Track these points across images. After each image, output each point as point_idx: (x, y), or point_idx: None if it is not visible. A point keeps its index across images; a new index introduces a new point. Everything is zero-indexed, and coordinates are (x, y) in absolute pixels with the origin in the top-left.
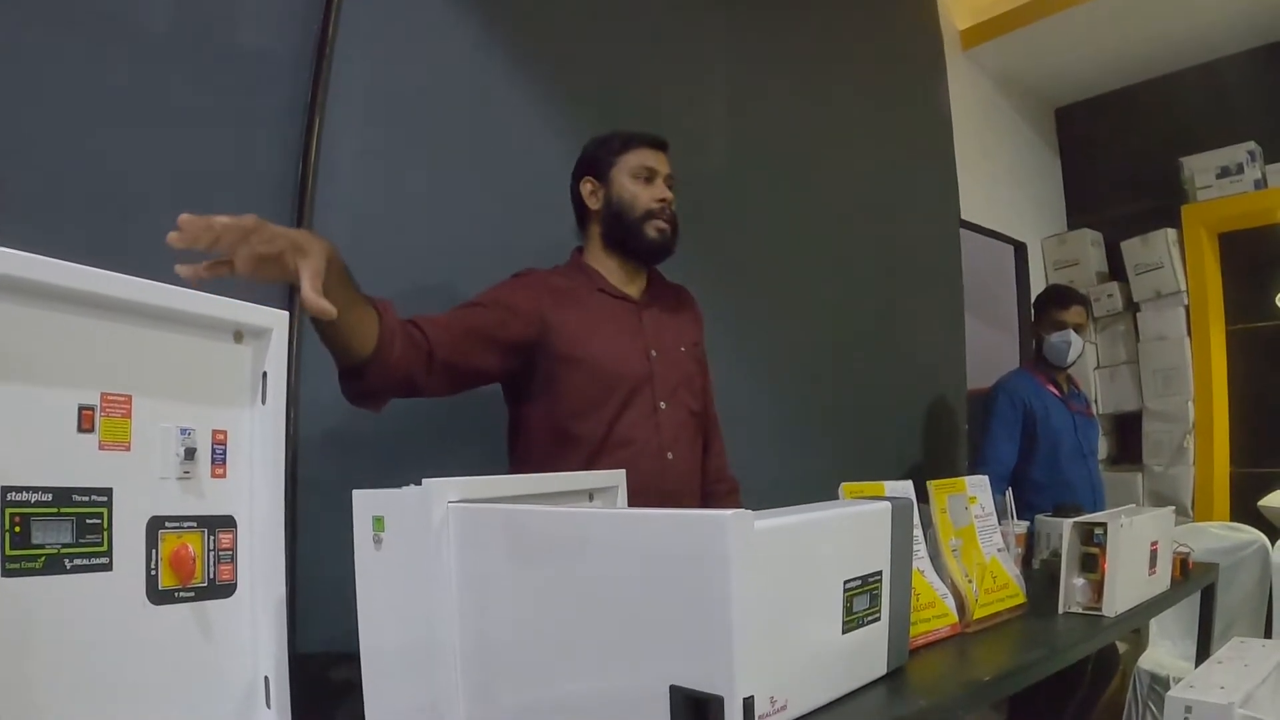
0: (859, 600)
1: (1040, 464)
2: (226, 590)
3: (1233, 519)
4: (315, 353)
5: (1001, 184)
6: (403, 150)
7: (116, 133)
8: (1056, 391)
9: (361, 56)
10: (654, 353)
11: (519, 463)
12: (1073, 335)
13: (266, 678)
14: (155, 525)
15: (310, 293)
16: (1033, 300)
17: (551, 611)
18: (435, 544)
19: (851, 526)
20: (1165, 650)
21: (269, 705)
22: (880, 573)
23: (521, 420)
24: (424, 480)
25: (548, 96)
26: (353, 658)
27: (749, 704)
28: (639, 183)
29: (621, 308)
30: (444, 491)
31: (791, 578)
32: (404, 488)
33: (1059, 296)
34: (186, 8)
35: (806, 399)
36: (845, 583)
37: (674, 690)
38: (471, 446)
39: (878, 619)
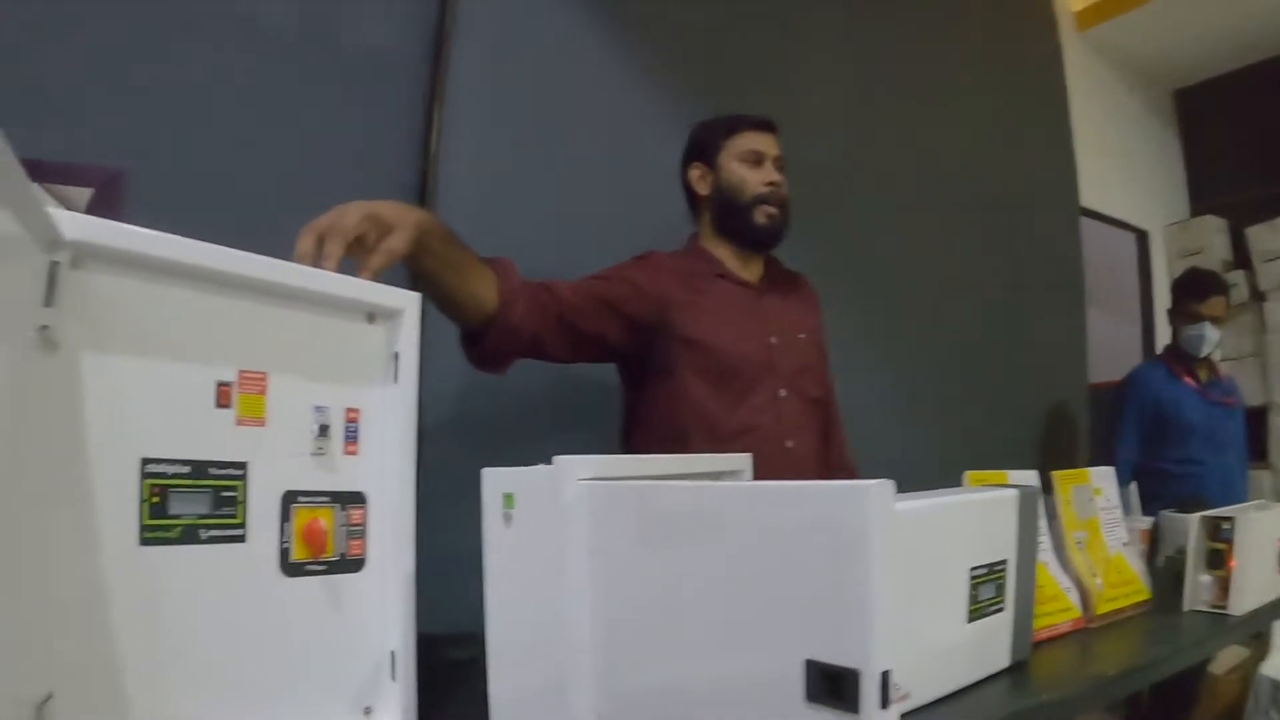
0: (984, 589)
1: (1170, 457)
2: (356, 565)
3: None
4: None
5: (1121, 170)
6: (522, 140)
7: (241, 129)
8: (1193, 382)
9: (479, 49)
10: (774, 339)
11: (634, 448)
12: (1208, 328)
13: (393, 652)
14: (289, 499)
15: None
16: (1170, 285)
17: (683, 588)
18: (566, 521)
19: (979, 513)
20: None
21: (394, 678)
22: (1005, 561)
23: (638, 405)
24: (555, 458)
25: (666, 83)
26: (470, 637)
27: (887, 678)
28: (747, 166)
29: (741, 293)
30: (575, 469)
31: (920, 562)
32: (534, 466)
33: (1196, 287)
34: (308, 7)
35: (925, 389)
36: (971, 570)
37: (810, 665)
38: (577, 433)
39: (1002, 609)
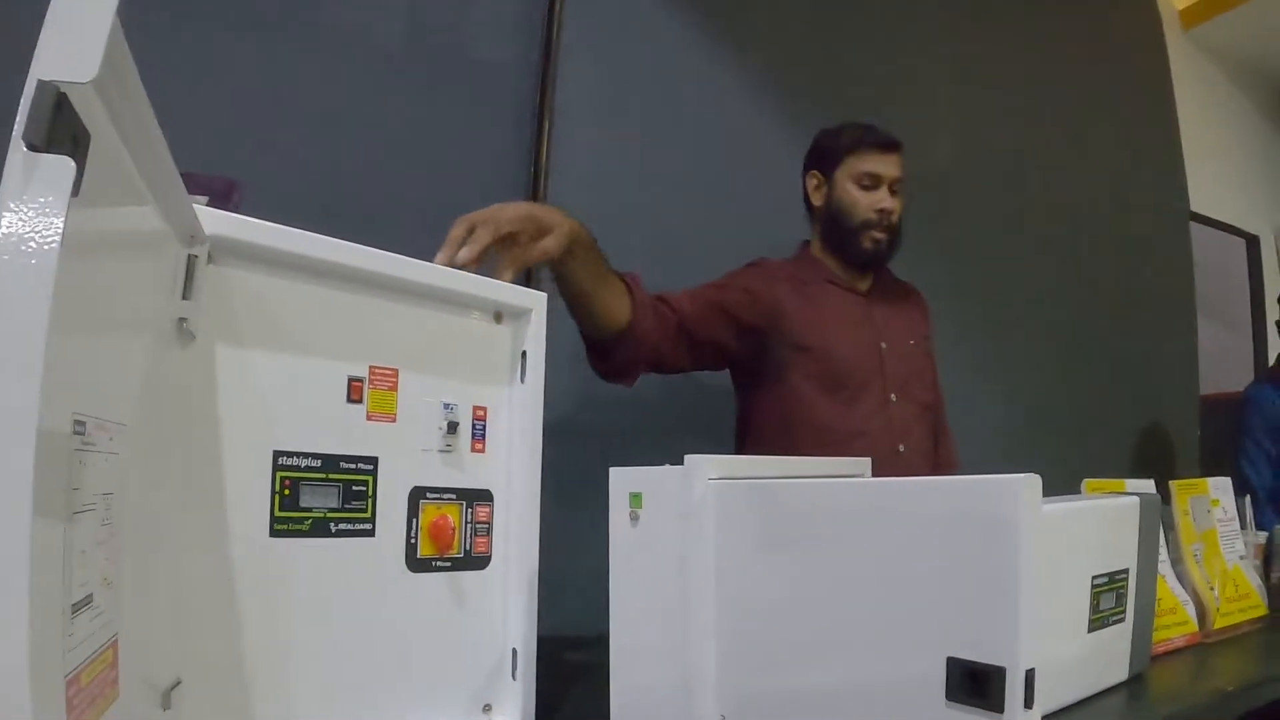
0: (1105, 598)
1: None
2: (481, 562)
3: None
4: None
5: (1230, 172)
6: (631, 152)
7: (355, 143)
8: None
9: (589, 61)
10: (884, 345)
11: (747, 452)
12: None
13: (515, 650)
14: (417, 495)
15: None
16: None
17: (814, 588)
18: (695, 520)
19: (1103, 520)
20: None
21: (514, 677)
22: (1126, 571)
23: (751, 409)
24: (686, 456)
25: (772, 92)
26: (589, 640)
27: (1031, 676)
28: (860, 190)
29: (851, 300)
30: (705, 468)
31: (1045, 569)
32: (662, 466)
33: None
34: (418, 22)
35: (1032, 399)
36: (1094, 578)
37: (951, 663)
38: (691, 437)
39: (1122, 619)
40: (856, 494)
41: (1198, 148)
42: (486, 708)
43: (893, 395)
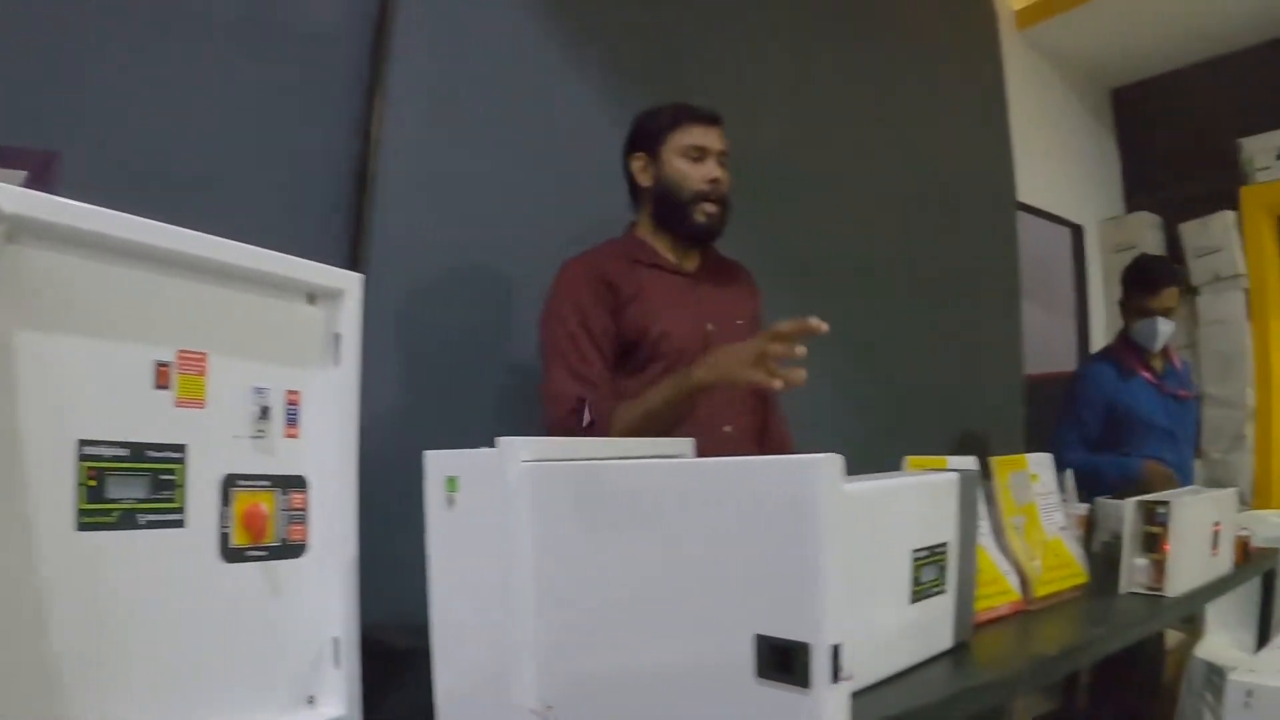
0: (926, 571)
1: (1125, 451)
2: (297, 550)
3: None
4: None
5: (1058, 166)
6: (463, 127)
7: (178, 112)
8: (1149, 374)
9: (421, 35)
10: (711, 326)
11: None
12: (1160, 322)
13: (336, 639)
14: (229, 483)
15: None
16: (1121, 275)
17: (628, 569)
18: (509, 503)
19: (922, 495)
20: (1223, 640)
21: (337, 666)
22: (946, 544)
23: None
24: (498, 439)
25: (606, 71)
26: (416, 627)
27: (838, 651)
28: (688, 162)
29: (677, 282)
30: (518, 450)
31: (864, 544)
32: (477, 449)
33: (1147, 279)
34: None
35: (862, 380)
36: (914, 552)
37: (760, 640)
38: (524, 423)
39: (943, 590)
40: (664, 475)
41: (1029, 142)
42: (310, 699)
43: None
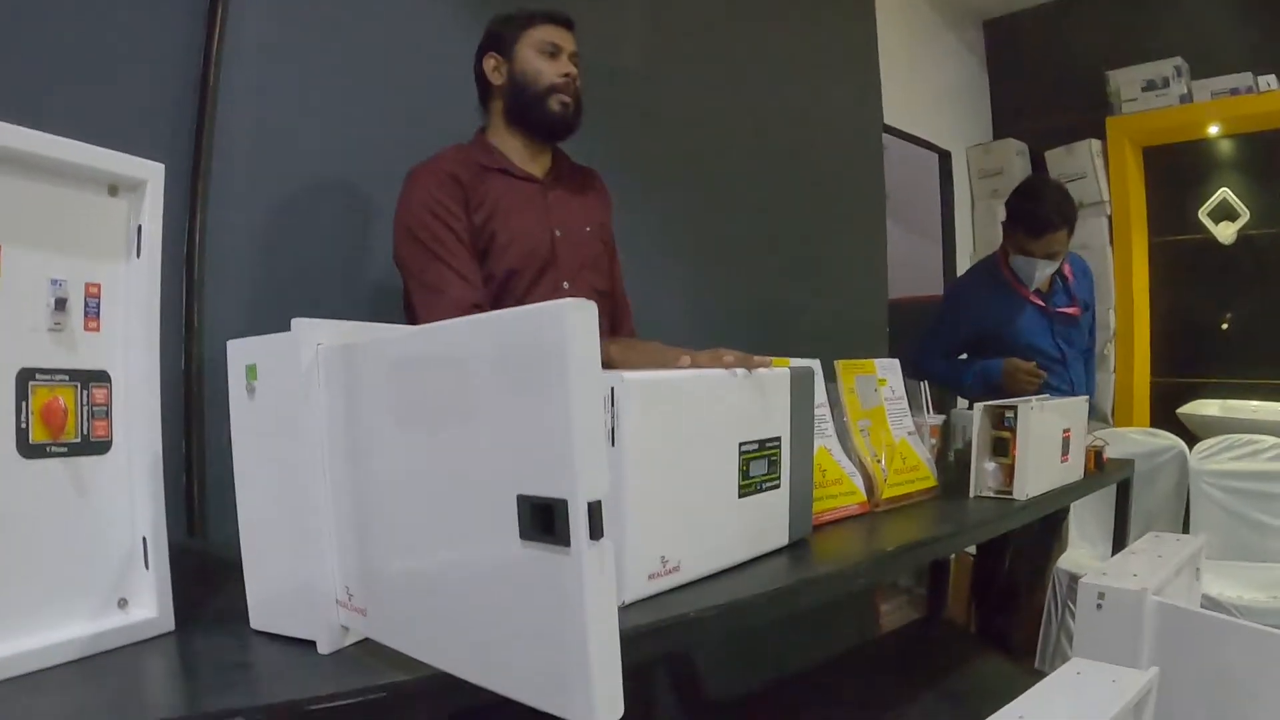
0: (756, 465)
1: None
2: (101, 447)
3: (1152, 426)
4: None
5: (928, 93)
6: (307, 35)
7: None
8: (1033, 296)
9: None
10: (558, 232)
11: None
12: (1039, 265)
13: (145, 538)
14: (25, 377)
15: None
16: (1009, 197)
17: (403, 445)
18: (304, 389)
19: (747, 389)
20: (1084, 552)
21: (147, 567)
22: (779, 439)
23: None
24: (293, 320)
25: None
26: None
27: (596, 509)
28: (543, 58)
29: (526, 188)
30: (314, 333)
31: (681, 435)
32: (276, 334)
33: (1033, 224)
34: None
35: (722, 299)
36: (741, 445)
37: (521, 500)
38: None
39: (777, 486)
40: (420, 342)
41: (900, 68)
42: (122, 602)
43: (565, 283)
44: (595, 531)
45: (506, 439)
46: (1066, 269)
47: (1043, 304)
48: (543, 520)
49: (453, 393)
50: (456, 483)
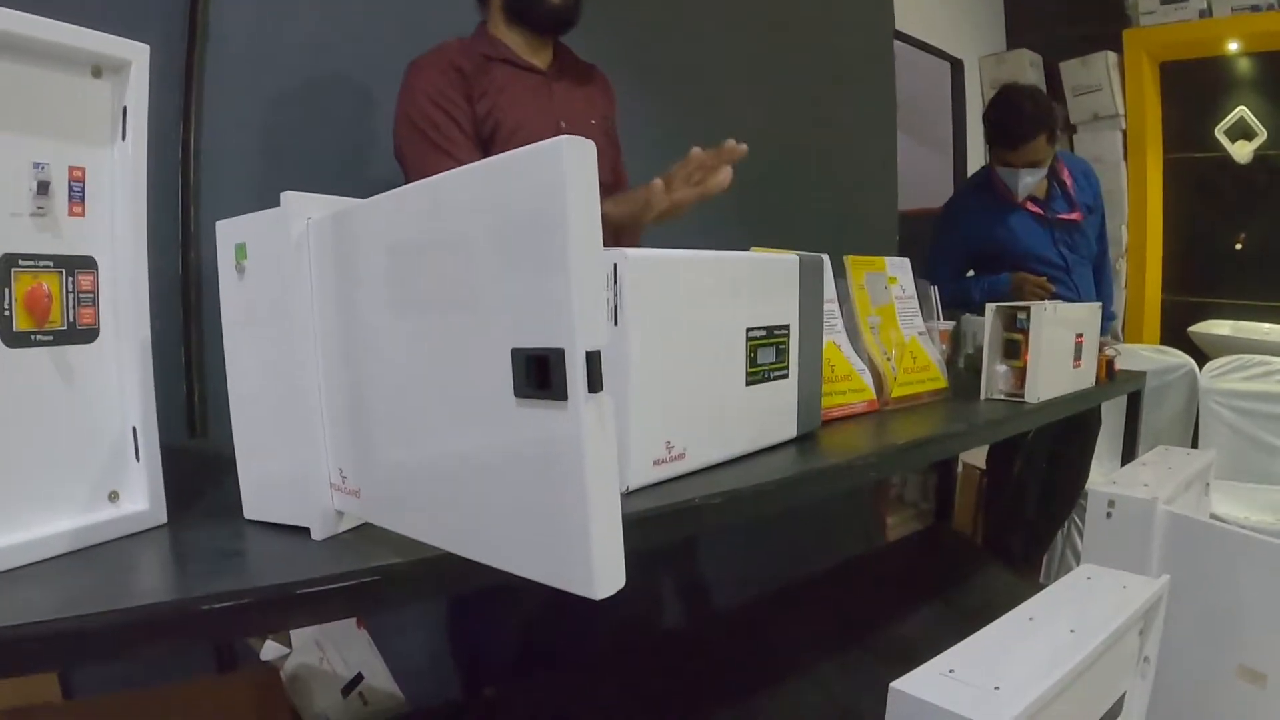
0: (764, 352)
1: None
2: (88, 335)
3: (1163, 344)
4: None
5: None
6: None
7: None
8: (1032, 205)
9: None
10: (563, 124)
11: None
12: (1022, 175)
13: (135, 428)
14: (8, 263)
15: None
16: (983, 111)
17: (395, 311)
18: (294, 265)
19: (754, 274)
20: (1096, 470)
21: (138, 458)
22: (787, 327)
23: None
24: (283, 195)
25: None
26: None
27: (594, 359)
28: None
29: (530, 79)
30: (304, 207)
31: (687, 317)
32: (266, 210)
33: (1006, 133)
34: None
35: (729, 207)
36: (748, 331)
37: (515, 354)
38: None
39: (785, 375)
40: (410, 199)
41: None
42: (113, 495)
43: None
44: (594, 384)
45: (502, 294)
46: (1065, 174)
47: (1040, 211)
48: (539, 373)
49: (446, 252)
50: (449, 348)
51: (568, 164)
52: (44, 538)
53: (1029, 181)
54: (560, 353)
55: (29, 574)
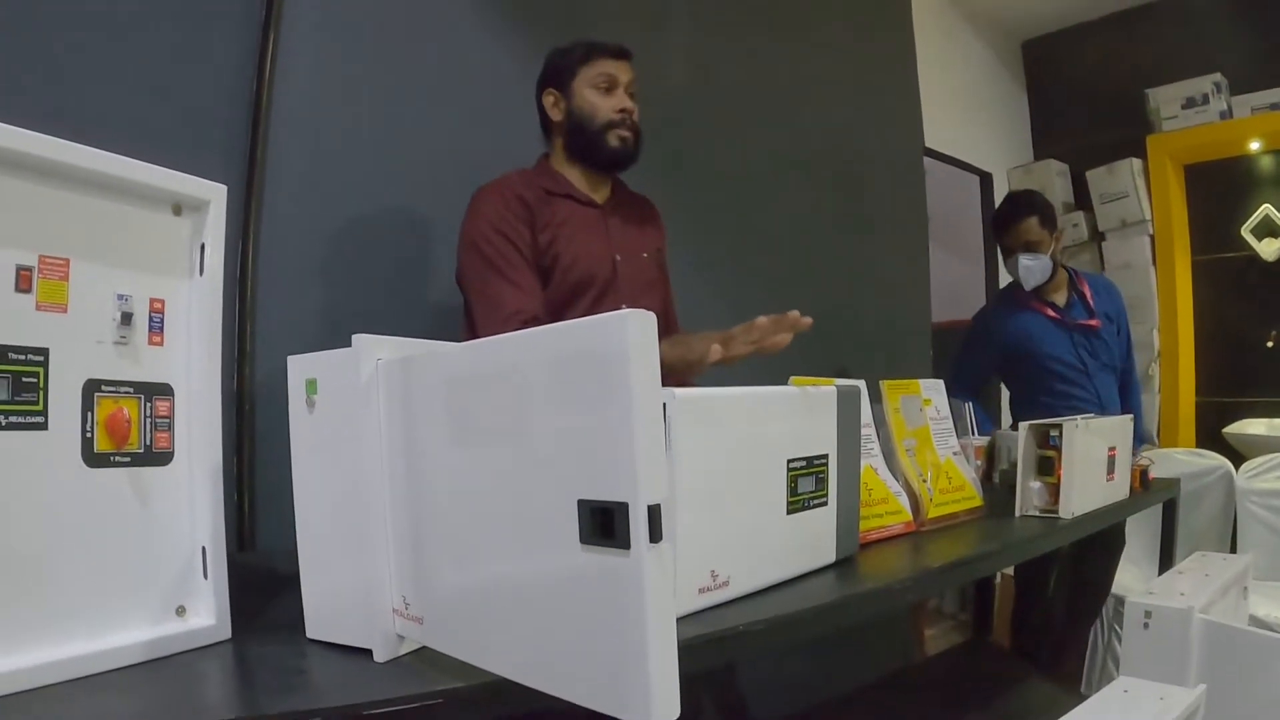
0: (804, 482)
1: (1034, 389)
2: (163, 458)
3: (1198, 447)
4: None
5: (968, 115)
6: (361, 61)
7: (74, 32)
8: (1051, 310)
9: None
10: (618, 257)
11: None
12: (1021, 259)
13: (204, 547)
14: (91, 388)
15: None
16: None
17: (463, 456)
18: (364, 402)
19: (794, 406)
20: (1130, 574)
21: (206, 576)
22: (826, 456)
23: None
24: (354, 336)
25: (510, 9)
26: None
27: (656, 512)
28: (599, 93)
29: (589, 213)
30: (374, 349)
31: (731, 451)
32: (337, 349)
33: (998, 219)
34: None
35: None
36: (789, 462)
37: (581, 505)
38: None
39: (825, 503)
40: (478, 355)
41: (940, 91)
42: (180, 609)
43: (624, 305)
44: (655, 535)
45: (565, 446)
46: (1085, 286)
47: (1059, 316)
48: (603, 524)
49: (511, 403)
50: (514, 490)
51: (632, 335)
52: (119, 648)
53: (1029, 264)
54: (624, 506)
55: (105, 682)
